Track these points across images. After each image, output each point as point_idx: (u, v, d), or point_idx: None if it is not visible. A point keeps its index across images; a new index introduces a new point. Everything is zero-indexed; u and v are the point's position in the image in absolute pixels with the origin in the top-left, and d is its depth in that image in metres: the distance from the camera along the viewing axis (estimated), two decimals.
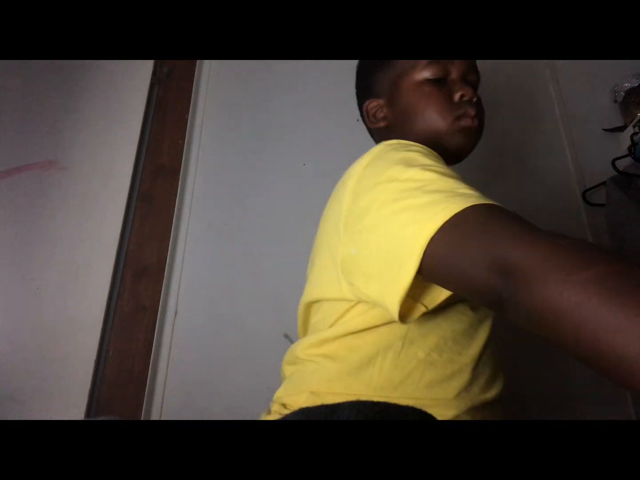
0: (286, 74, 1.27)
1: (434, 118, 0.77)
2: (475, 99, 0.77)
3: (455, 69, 0.77)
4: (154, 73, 1.26)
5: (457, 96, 0.76)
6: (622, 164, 1.10)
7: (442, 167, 0.54)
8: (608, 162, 1.10)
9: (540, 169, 1.19)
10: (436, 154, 0.62)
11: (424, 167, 0.53)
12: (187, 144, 1.19)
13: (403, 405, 0.49)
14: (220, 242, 1.09)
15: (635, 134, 1.13)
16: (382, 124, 0.84)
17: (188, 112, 1.23)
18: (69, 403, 0.92)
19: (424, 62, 0.78)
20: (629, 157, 1.11)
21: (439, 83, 0.78)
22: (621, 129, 1.19)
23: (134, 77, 1.24)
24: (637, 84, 1.16)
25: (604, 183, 1.10)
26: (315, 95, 1.25)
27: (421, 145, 0.62)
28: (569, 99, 1.26)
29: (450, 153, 0.77)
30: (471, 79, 0.78)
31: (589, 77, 1.27)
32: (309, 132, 1.21)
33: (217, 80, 1.29)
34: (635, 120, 1.14)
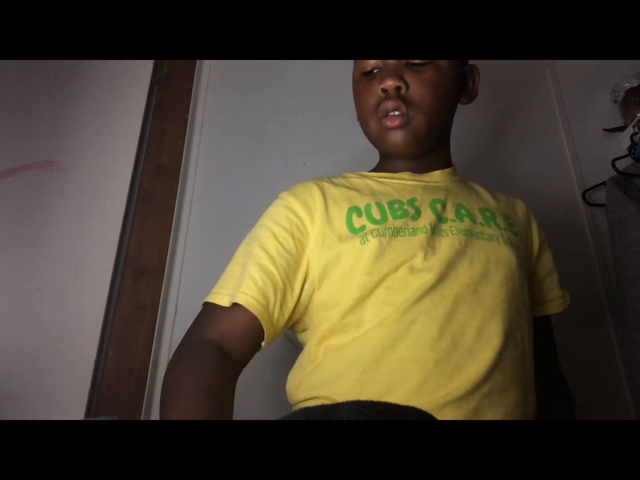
0: (286, 74, 1.27)
1: (363, 120, 0.75)
2: (403, 88, 0.67)
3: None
4: (154, 73, 1.26)
5: (379, 91, 0.69)
6: (622, 164, 1.10)
7: (260, 231, 0.69)
8: (608, 162, 1.10)
9: (540, 169, 1.19)
10: (289, 201, 0.70)
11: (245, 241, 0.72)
12: (187, 144, 1.19)
13: (403, 405, 0.49)
14: (220, 242, 1.09)
15: (635, 134, 1.13)
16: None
17: (188, 112, 1.23)
18: (69, 403, 0.92)
19: None
20: (629, 157, 1.11)
21: (373, 76, 0.71)
22: (621, 129, 1.19)
23: (134, 77, 1.24)
24: (637, 84, 1.16)
25: (604, 183, 1.10)
26: (316, 95, 1.25)
27: (289, 193, 0.71)
28: (569, 99, 1.26)
29: (389, 154, 0.74)
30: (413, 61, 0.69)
31: (589, 77, 1.27)
32: (309, 132, 1.20)
33: (217, 80, 1.29)
34: (635, 120, 1.14)
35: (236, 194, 1.15)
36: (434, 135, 0.73)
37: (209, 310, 0.66)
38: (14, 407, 0.91)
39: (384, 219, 0.66)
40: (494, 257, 0.65)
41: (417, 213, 0.68)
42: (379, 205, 0.68)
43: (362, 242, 0.64)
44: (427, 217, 0.67)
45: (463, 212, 0.70)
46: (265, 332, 0.63)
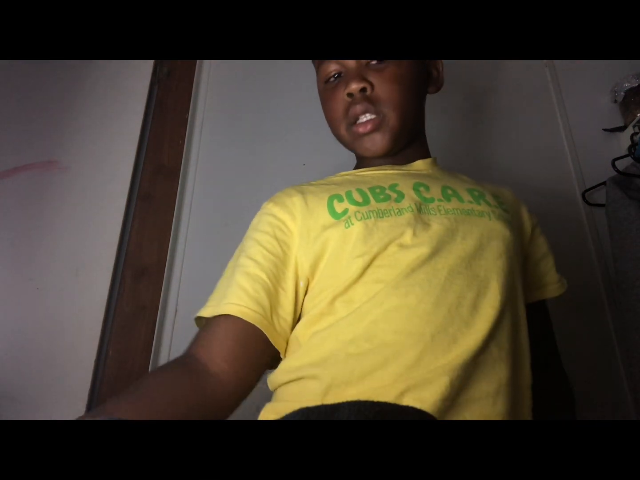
0: (286, 74, 1.27)
1: (333, 128, 0.75)
2: (369, 89, 0.67)
3: (347, 60, 0.70)
4: (154, 73, 1.26)
5: (344, 96, 0.69)
6: (622, 164, 1.10)
7: (245, 242, 0.69)
8: (608, 162, 1.10)
9: (540, 169, 1.19)
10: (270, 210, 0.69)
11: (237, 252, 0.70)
12: (187, 144, 1.19)
13: (403, 405, 0.49)
14: (220, 242, 1.09)
15: (635, 134, 1.13)
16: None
17: (188, 112, 1.23)
18: (69, 403, 0.92)
19: (317, 61, 0.74)
20: (629, 157, 1.11)
21: (336, 82, 0.72)
22: (621, 129, 1.19)
23: (134, 77, 1.24)
24: (637, 84, 1.16)
25: (604, 183, 1.10)
26: (316, 95, 1.25)
27: (268, 202, 0.71)
28: (569, 99, 1.26)
29: (368, 157, 0.73)
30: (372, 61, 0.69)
31: (589, 77, 1.27)
32: (309, 132, 1.20)
33: (217, 80, 1.29)
34: (635, 120, 1.14)
35: (236, 194, 1.15)
36: (408, 128, 0.73)
37: (201, 327, 0.65)
38: (14, 407, 0.91)
39: (366, 201, 0.65)
40: (487, 232, 0.63)
41: (400, 196, 0.66)
42: (359, 190, 0.67)
43: (346, 225, 0.62)
44: (411, 199, 0.65)
45: (449, 192, 0.68)
46: (271, 340, 0.61)
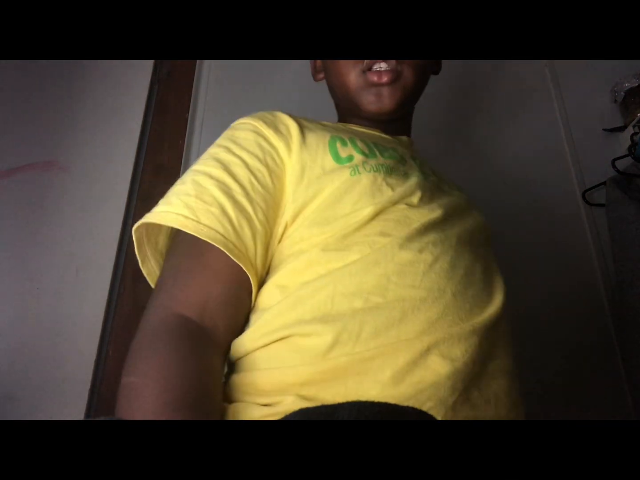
0: (285, 74, 1.27)
1: (341, 72, 0.67)
2: None
3: None
4: (154, 73, 1.26)
5: None
6: (622, 164, 1.10)
7: (220, 151, 0.57)
8: (608, 162, 1.10)
9: (540, 169, 1.19)
10: (257, 127, 0.58)
11: (202, 157, 0.58)
12: (187, 144, 1.19)
13: (403, 406, 0.49)
14: None
15: (635, 134, 1.13)
16: (320, 76, 0.77)
17: (188, 112, 1.23)
18: (69, 403, 0.92)
19: None
20: (629, 157, 1.11)
21: None
22: (621, 129, 1.19)
23: (134, 77, 1.24)
24: (637, 84, 1.16)
25: (604, 183, 1.10)
26: (315, 95, 1.25)
27: (254, 118, 0.59)
28: (569, 99, 1.26)
29: (367, 113, 0.66)
30: None
31: (589, 77, 1.27)
32: None
33: (217, 80, 1.29)
34: (635, 120, 1.14)
35: None
36: (417, 95, 0.70)
37: (174, 264, 0.54)
38: (14, 407, 0.91)
39: (372, 154, 0.58)
40: (474, 221, 0.61)
41: (403, 159, 0.62)
42: (364, 141, 0.60)
43: (353, 173, 0.55)
44: (412, 166, 0.61)
45: (437, 176, 0.67)
46: (253, 290, 0.52)
